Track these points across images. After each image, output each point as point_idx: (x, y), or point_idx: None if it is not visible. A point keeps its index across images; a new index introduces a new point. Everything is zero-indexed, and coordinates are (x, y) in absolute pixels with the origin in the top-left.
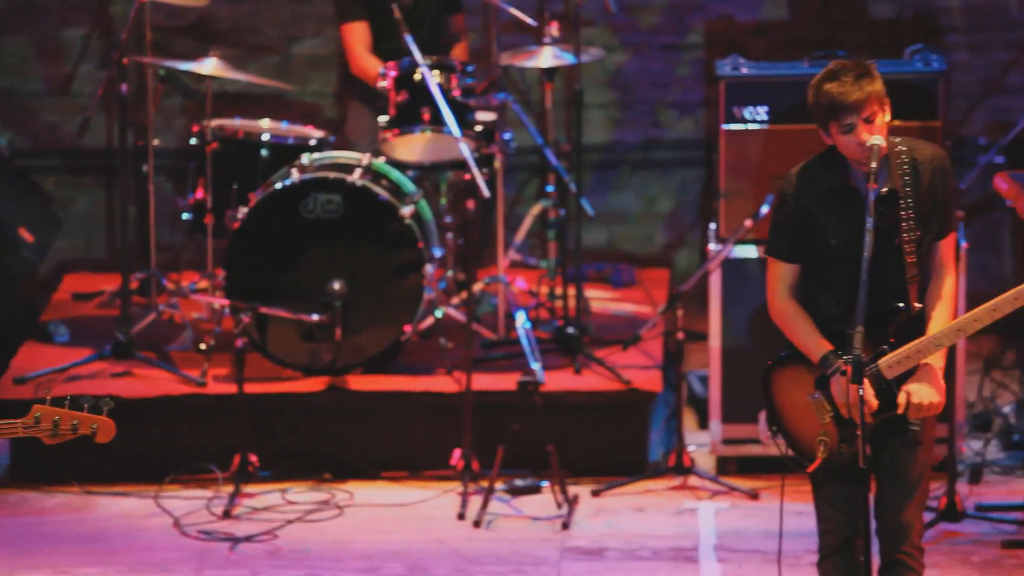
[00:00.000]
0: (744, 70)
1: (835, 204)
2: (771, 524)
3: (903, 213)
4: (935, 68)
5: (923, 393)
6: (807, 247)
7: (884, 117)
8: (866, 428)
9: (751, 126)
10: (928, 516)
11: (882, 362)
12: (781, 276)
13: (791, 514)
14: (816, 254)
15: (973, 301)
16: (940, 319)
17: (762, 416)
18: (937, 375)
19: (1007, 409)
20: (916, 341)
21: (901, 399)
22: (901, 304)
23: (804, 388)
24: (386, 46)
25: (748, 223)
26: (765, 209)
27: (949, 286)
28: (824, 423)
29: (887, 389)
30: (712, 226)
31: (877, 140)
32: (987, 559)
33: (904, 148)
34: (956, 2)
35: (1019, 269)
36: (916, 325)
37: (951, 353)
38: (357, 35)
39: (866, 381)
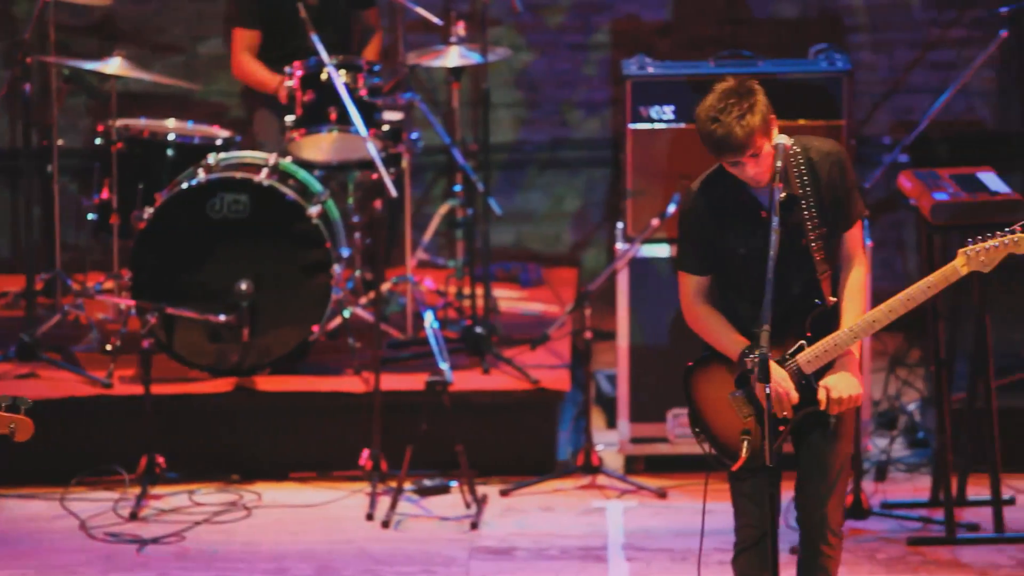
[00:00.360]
0: (650, 69)
1: (737, 215)
2: (679, 523)
3: (805, 213)
4: (839, 67)
5: (842, 387)
6: (715, 258)
7: (772, 139)
8: (783, 423)
9: (657, 125)
10: None
11: (800, 357)
12: (693, 287)
13: (698, 512)
14: (725, 263)
15: (878, 299)
16: (854, 311)
17: (670, 415)
18: (855, 367)
19: (912, 407)
20: (833, 335)
21: (821, 395)
22: (816, 299)
23: (725, 387)
24: (292, 46)
25: (655, 222)
26: (672, 208)
27: (860, 276)
28: (746, 420)
29: (807, 384)
30: (619, 225)
31: (781, 139)
32: (893, 556)
33: (799, 149)
34: (860, 2)
35: (923, 267)
36: (831, 318)
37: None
38: (245, 41)
39: (788, 376)
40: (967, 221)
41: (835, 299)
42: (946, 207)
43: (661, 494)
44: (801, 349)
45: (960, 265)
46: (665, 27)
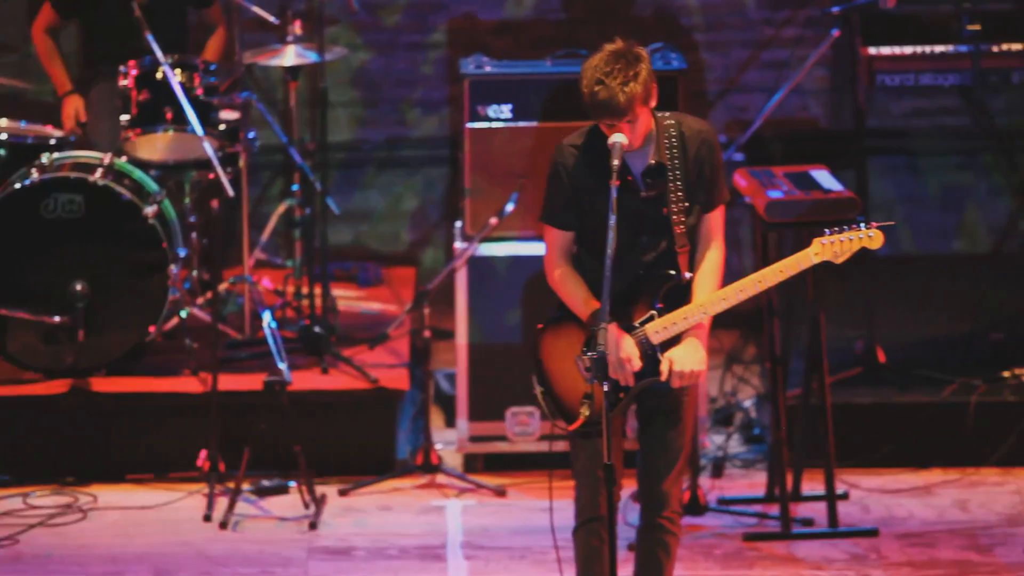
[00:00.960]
0: (488, 68)
1: (603, 175)
2: (518, 521)
3: (671, 184)
4: (675, 66)
5: (685, 361)
6: (579, 214)
7: (649, 108)
8: (624, 391)
9: (495, 124)
10: None
11: (649, 327)
12: (556, 242)
13: (537, 511)
14: (586, 221)
15: None
16: (706, 288)
17: (509, 413)
18: (700, 344)
19: (748, 403)
20: (683, 308)
21: (664, 366)
22: (672, 271)
23: (573, 349)
24: (128, 44)
25: (493, 221)
26: (510, 207)
27: (716, 257)
28: (589, 384)
29: (652, 355)
30: (458, 224)
31: (618, 138)
32: (729, 552)
33: (672, 122)
34: (695, 1)
35: (758, 264)
36: (684, 293)
37: None
38: (46, 20)
39: (633, 343)
40: (801, 219)
41: (690, 275)
42: (780, 205)
43: (500, 492)
44: (651, 319)
45: (814, 253)
46: (502, 26)
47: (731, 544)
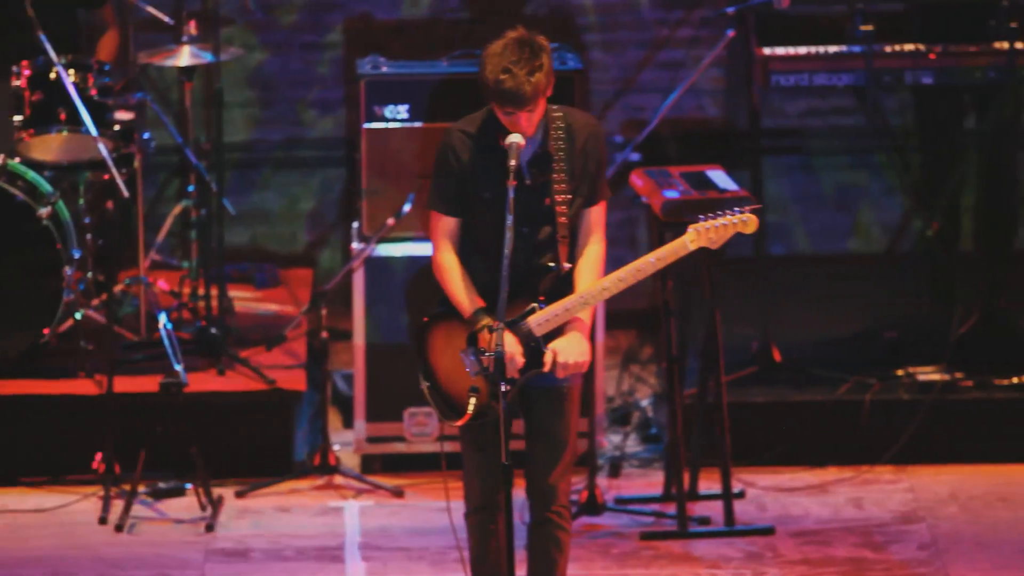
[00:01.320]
0: (384, 69)
1: (491, 160)
2: (416, 522)
3: (555, 175)
4: (570, 67)
5: (569, 352)
6: (465, 201)
7: (545, 98)
8: (510, 384)
9: (392, 125)
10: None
11: (532, 319)
12: (443, 229)
13: (435, 511)
14: (471, 207)
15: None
16: (587, 280)
17: (407, 414)
18: (584, 335)
19: (645, 403)
20: (564, 299)
21: (548, 357)
22: (552, 264)
23: (458, 343)
24: (20, 43)
25: (391, 221)
26: (407, 207)
27: (597, 251)
28: (475, 378)
29: (535, 347)
30: (355, 225)
31: (515, 139)
32: (626, 551)
33: (560, 114)
34: (590, 1)
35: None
36: (566, 285)
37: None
38: None
39: (515, 339)
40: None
41: (569, 266)
42: (676, 204)
43: (398, 493)
44: (533, 312)
45: (690, 240)
46: (399, 26)
47: (628, 543)
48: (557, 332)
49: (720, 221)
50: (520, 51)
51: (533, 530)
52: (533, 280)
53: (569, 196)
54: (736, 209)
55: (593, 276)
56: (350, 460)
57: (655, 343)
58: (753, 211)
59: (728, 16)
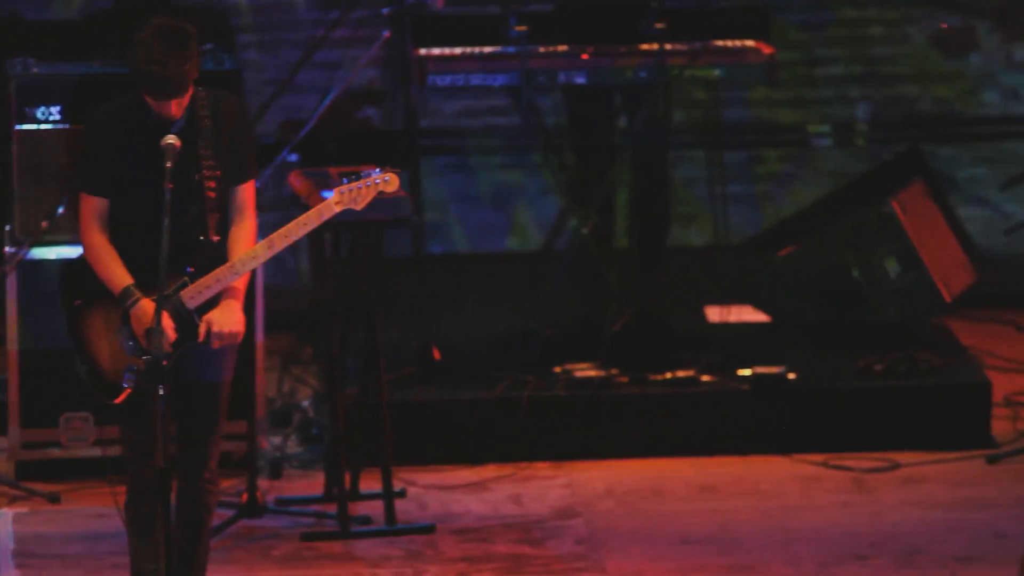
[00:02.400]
0: (35, 70)
1: (139, 140)
2: (72, 528)
3: (202, 152)
4: (227, 67)
5: (224, 322)
6: (115, 180)
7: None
8: (166, 358)
9: (44, 126)
10: (228, 512)
11: (184, 293)
12: (92, 210)
13: (93, 517)
14: (120, 186)
15: (271, 295)
16: (238, 251)
17: (63, 419)
18: (238, 304)
19: (306, 403)
20: (216, 270)
21: (202, 328)
22: (202, 237)
23: (112, 325)
24: None
25: (44, 224)
26: (61, 210)
27: (249, 226)
28: (131, 357)
29: (189, 319)
30: (7, 227)
31: (171, 139)
32: (287, 552)
33: (206, 94)
34: (245, 1)
35: (313, 263)
36: (216, 257)
37: (249, 350)
38: None
39: (166, 314)
40: (355, 218)
41: (219, 237)
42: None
43: (54, 499)
44: (184, 285)
45: (334, 202)
46: (51, 27)
47: (289, 545)
48: (213, 304)
49: (362, 182)
50: (169, 40)
51: (182, 495)
52: (184, 254)
53: (217, 172)
54: (377, 170)
55: (244, 248)
56: (5, 466)
57: (315, 343)
58: (395, 171)
59: (384, 17)
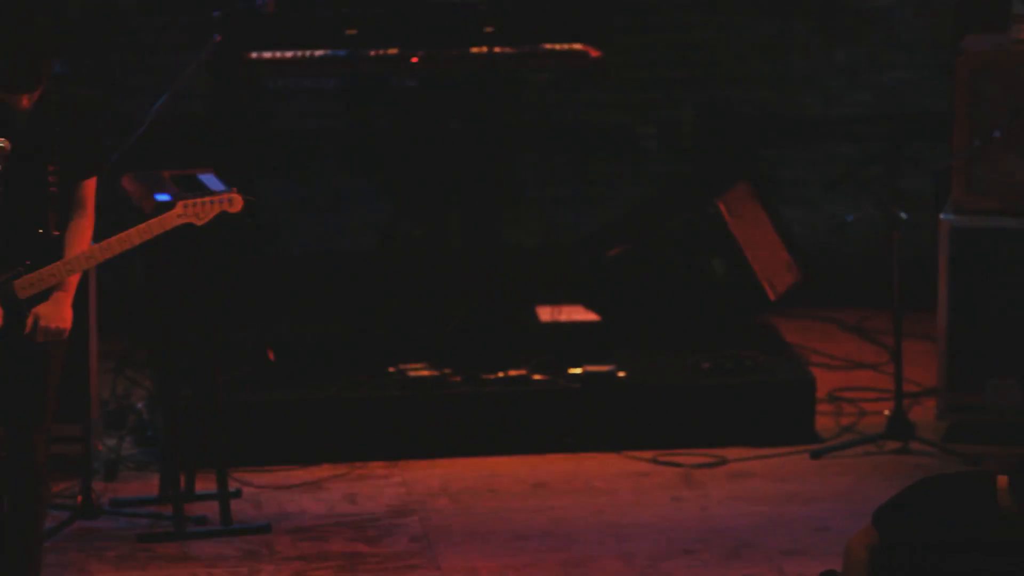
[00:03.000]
0: None
1: None
2: None
3: (47, 145)
4: (56, 71)
5: (51, 316)
6: None
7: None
8: None
9: None
10: (64, 514)
11: (17, 283)
12: None
13: None
14: None
15: (105, 296)
16: (75, 249)
17: None
18: (66, 303)
19: (140, 405)
20: (50, 265)
21: (29, 321)
22: (41, 230)
23: None
24: None
25: None
26: None
27: (87, 223)
28: None
29: (18, 309)
30: None
31: (3, 143)
32: (123, 553)
33: (57, 88)
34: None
35: (147, 265)
36: (53, 251)
37: (83, 352)
38: None
39: None
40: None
41: (58, 232)
42: (167, 206)
43: None
44: (18, 276)
45: (177, 215)
46: None
47: (125, 546)
48: (44, 298)
49: (207, 199)
50: (21, 34)
51: (13, 487)
52: (20, 245)
53: (59, 166)
54: (222, 187)
55: (80, 245)
56: None
57: (150, 346)
58: (241, 193)
59: (214, 20)
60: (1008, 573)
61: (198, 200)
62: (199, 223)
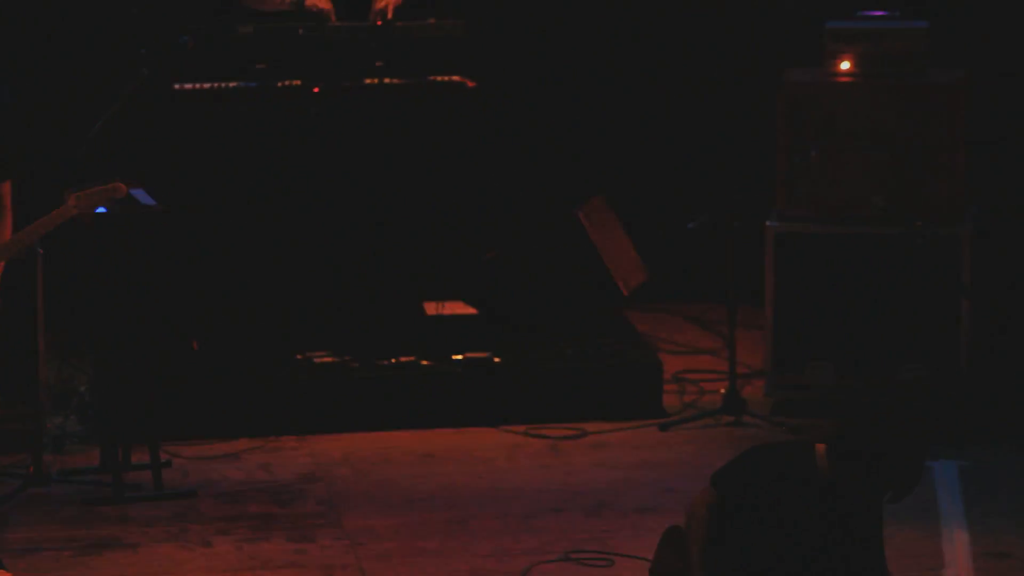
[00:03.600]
0: None
1: None
2: None
3: None
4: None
5: None
6: None
7: None
8: None
9: None
10: (18, 482)
11: None
12: None
13: None
14: None
15: (50, 293)
16: None
17: None
18: None
19: (83, 389)
20: None
21: None
22: None
23: None
24: None
25: None
26: None
27: (5, 222)
28: None
29: None
30: None
31: None
32: (70, 515)
33: None
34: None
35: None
36: None
37: (32, 344)
38: None
39: None
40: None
41: None
42: (106, 219)
43: None
44: None
45: (72, 206)
46: None
47: (72, 509)
48: None
49: (95, 190)
50: None
51: None
52: None
53: None
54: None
55: None
56: None
57: (91, 336)
58: (123, 181)
59: (142, 55)
60: (821, 522)
61: (87, 192)
62: (90, 211)
